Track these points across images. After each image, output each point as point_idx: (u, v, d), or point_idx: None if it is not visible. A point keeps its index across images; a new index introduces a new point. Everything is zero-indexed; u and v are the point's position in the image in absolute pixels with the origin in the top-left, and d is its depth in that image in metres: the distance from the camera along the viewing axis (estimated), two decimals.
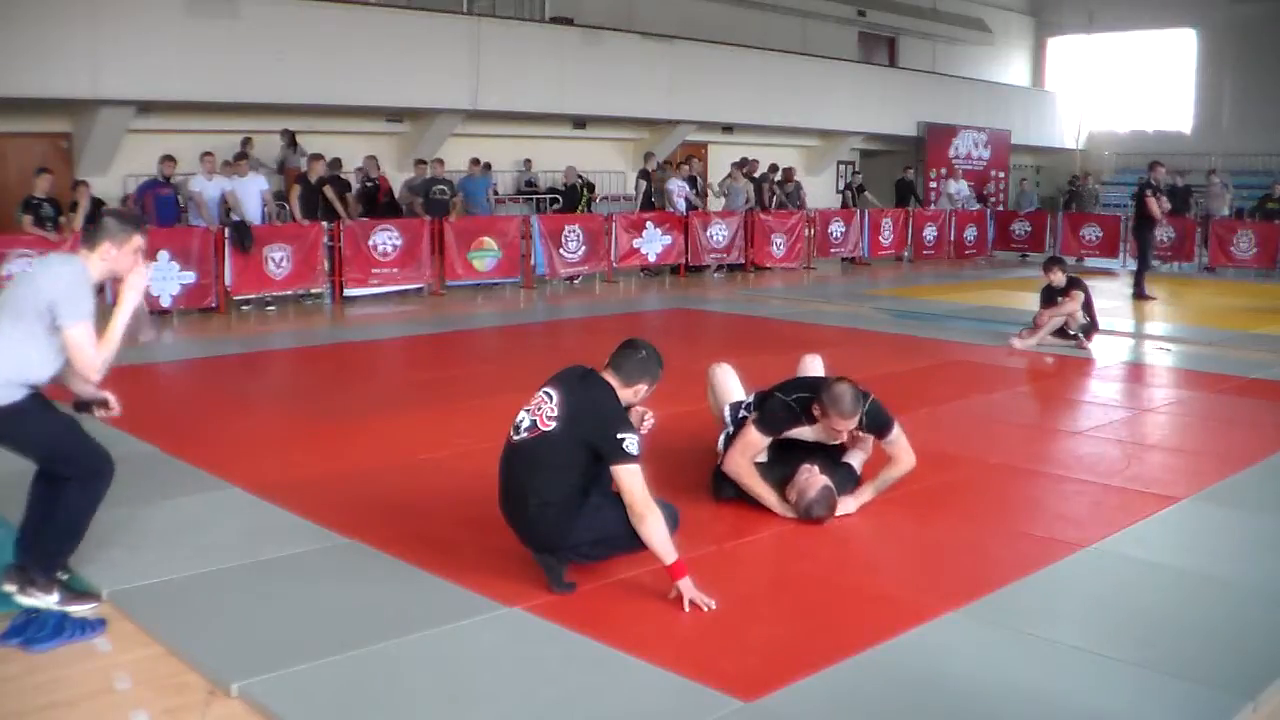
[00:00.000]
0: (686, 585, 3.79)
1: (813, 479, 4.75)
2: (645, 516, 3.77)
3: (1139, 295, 13.25)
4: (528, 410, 3.97)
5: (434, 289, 13.27)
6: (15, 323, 3.63)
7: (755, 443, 4.84)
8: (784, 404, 4.84)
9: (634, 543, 3.86)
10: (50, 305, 3.58)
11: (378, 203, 14.10)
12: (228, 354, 9.30)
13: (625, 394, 3.95)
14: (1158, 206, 13.41)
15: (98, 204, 11.59)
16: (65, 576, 3.88)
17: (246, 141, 13.95)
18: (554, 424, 3.86)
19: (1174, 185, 18.19)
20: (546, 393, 3.94)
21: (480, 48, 16.18)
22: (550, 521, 3.89)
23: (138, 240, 3.80)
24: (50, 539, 3.77)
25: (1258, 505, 5.20)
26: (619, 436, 3.78)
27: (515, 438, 3.97)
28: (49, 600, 3.71)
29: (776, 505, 4.79)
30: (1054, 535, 4.70)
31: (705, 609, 3.76)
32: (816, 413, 4.74)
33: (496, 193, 16.15)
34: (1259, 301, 12.49)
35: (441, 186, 13.89)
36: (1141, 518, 4.93)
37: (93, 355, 3.67)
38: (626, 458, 3.77)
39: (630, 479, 3.78)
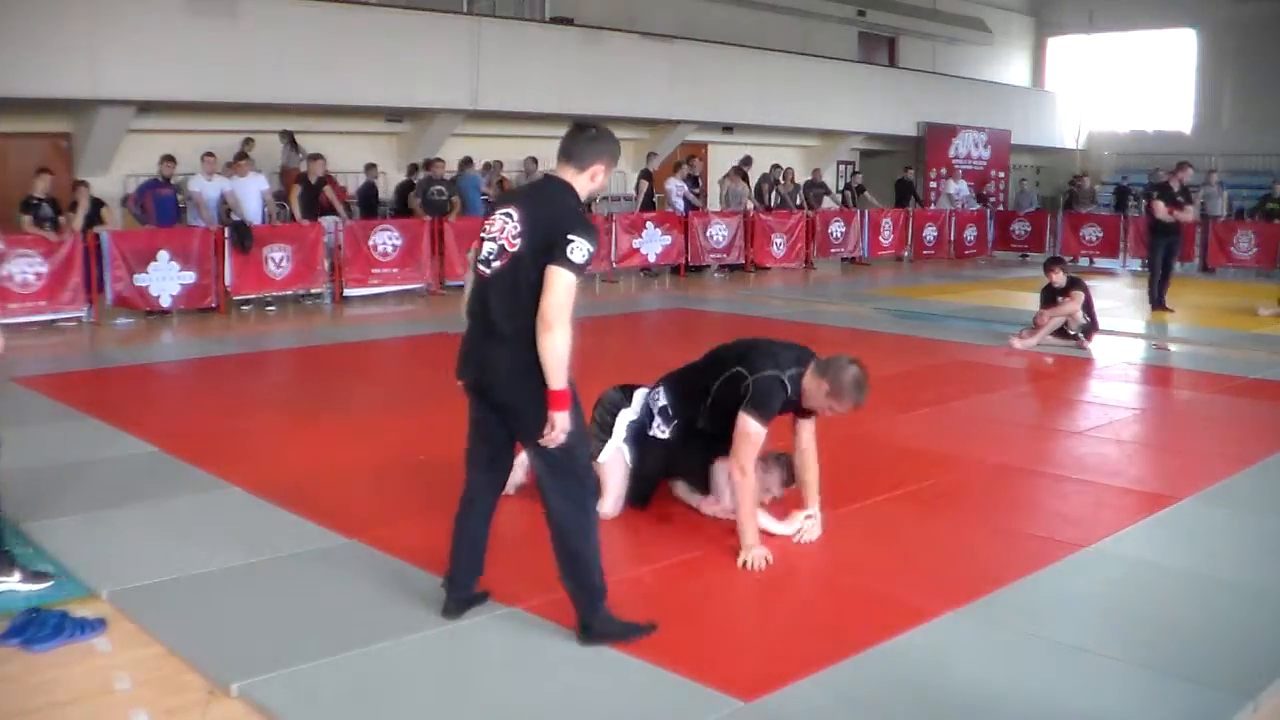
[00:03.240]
0: (562, 419, 3.36)
1: (765, 468, 4.63)
2: (552, 326, 3.29)
3: (1159, 306, 12.25)
4: (489, 238, 3.51)
5: (434, 289, 13.27)
6: None
7: (759, 438, 4.34)
8: (779, 383, 4.30)
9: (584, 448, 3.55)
10: None
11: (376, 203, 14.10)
12: (228, 354, 9.30)
13: (583, 182, 3.53)
14: (1177, 212, 12.12)
15: (97, 204, 11.60)
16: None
17: (248, 142, 13.94)
18: (519, 242, 3.42)
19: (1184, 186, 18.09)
20: (506, 213, 3.50)
21: (480, 48, 16.18)
22: (522, 364, 3.37)
23: None
24: None
25: (1258, 505, 5.21)
26: (568, 237, 3.32)
27: (488, 271, 3.49)
28: (11, 580, 3.84)
29: (753, 522, 4.36)
30: (1054, 535, 4.70)
31: (553, 440, 3.36)
32: (821, 389, 4.32)
33: (484, 192, 16.11)
34: (1259, 301, 12.47)
35: (439, 187, 13.89)
36: (1141, 518, 4.94)
37: None
38: (565, 261, 3.31)
39: (558, 283, 3.30)
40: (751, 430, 4.29)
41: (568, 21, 18.17)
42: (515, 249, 3.43)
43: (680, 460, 4.86)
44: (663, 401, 4.78)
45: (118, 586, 3.94)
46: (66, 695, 3.21)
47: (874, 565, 4.35)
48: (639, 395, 4.93)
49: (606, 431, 4.82)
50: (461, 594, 3.75)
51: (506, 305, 3.43)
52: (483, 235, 3.56)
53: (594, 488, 3.70)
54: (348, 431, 6.43)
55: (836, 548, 4.57)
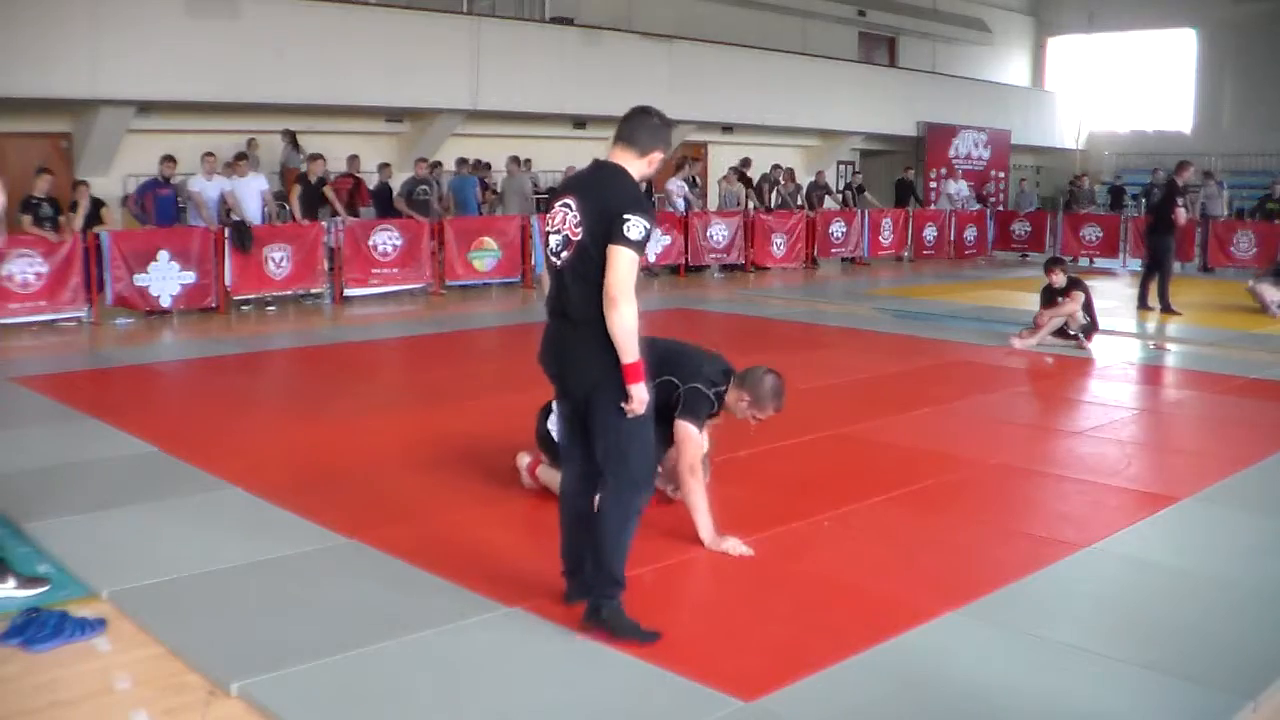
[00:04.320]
0: (639, 390, 3.47)
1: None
2: (618, 301, 3.40)
3: (1166, 309, 12.16)
4: (554, 231, 3.60)
5: (434, 289, 13.27)
6: None
7: (699, 440, 4.57)
8: (706, 397, 4.56)
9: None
10: None
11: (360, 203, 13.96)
12: (228, 354, 9.30)
13: (640, 167, 3.62)
14: (1184, 214, 12.24)
15: (98, 204, 11.60)
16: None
17: (251, 143, 13.94)
18: (581, 230, 3.51)
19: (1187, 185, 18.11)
20: (566, 204, 3.58)
21: (480, 48, 16.18)
22: (598, 347, 3.47)
23: None
24: None
25: (1258, 505, 5.21)
26: (625, 216, 3.42)
27: (558, 262, 3.58)
28: (6, 587, 3.79)
29: (707, 518, 4.47)
30: (1054, 535, 4.70)
31: (634, 410, 3.48)
32: (742, 400, 4.62)
33: (496, 192, 16.13)
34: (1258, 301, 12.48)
35: (423, 187, 13.88)
36: (1141, 518, 4.94)
37: None
38: (623, 239, 3.41)
39: (619, 260, 3.41)
40: (693, 435, 4.52)
41: (568, 21, 18.17)
42: (579, 237, 3.51)
43: None
44: None
45: (118, 586, 3.94)
46: (66, 695, 3.21)
47: (874, 565, 4.35)
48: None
49: (552, 444, 4.80)
50: (578, 580, 3.78)
51: (580, 292, 3.52)
52: (548, 229, 3.65)
53: (644, 484, 3.70)
54: (348, 431, 6.43)
55: (836, 548, 4.57)
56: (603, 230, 3.45)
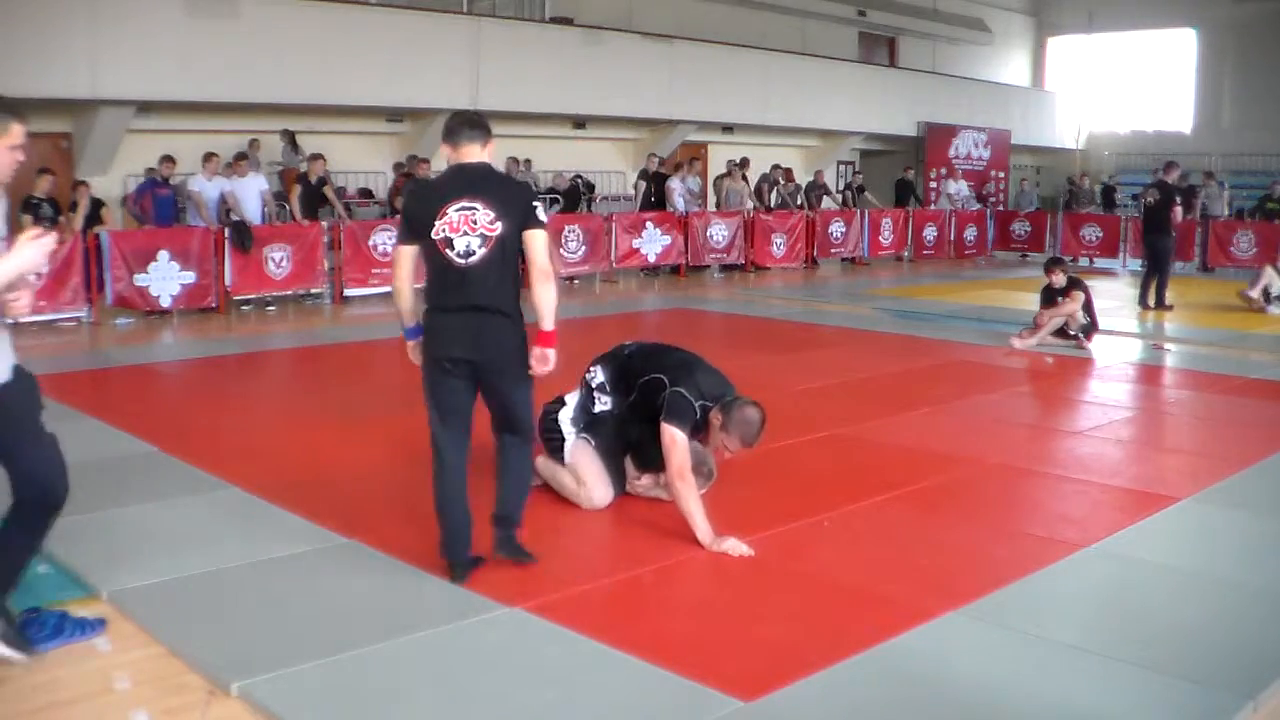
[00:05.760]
0: (553, 352, 3.96)
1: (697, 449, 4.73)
2: (551, 275, 3.94)
3: (1162, 305, 12.49)
4: (457, 234, 3.88)
5: None
6: None
7: (686, 443, 4.49)
8: (690, 404, 4.50)
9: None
10: None
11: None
12: (228, 354, 9.30)
13: (490, 151, 4.06)
14: (1180, 213, 12.59)
15: (98, 204, 11.60)
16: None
17: (253, 144, 13.94)
18: (500, 224, 3.87)
19: (1190, 185, 18.20)
20: (468, 207, 3.88)
21: (480, 48, 16.18)
22: (513, 328, 3.96)
23: (18, 132, 3.05)
24: None
25: (1258, 505, 5.20)
26: (533, 204, 3.96)
27: (464, 262, 3.88)
28: None
29: (703, 520, 4.45)
30: (1054, 535, 4.70)
31: (545, 369, 3.97)
32: (716, 422, 4.51)
33: None
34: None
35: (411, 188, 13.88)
36: (1141, 518, 4.93)
37: None
38: (539, 223, 3.92)
39: (541, 240, 3.93)
40: (679, 438, 4.46)
41: (568, 21, 18.17)
42: (498, 232, 3.87)
43: (628, 430, 4.97)
44: (600, 379, 4.98)
45: (118, 586, 3.94)
46: (66, 695, 3.21)
47: (874, 565, 4.35)
48: (571, 394, 5.09)
49: (556, 436, 4.98)
50: (463, 556, 4.06)
51: (498, 281, 3.92)
52: (441, 235, 3.90)
53: (534, 437, 4.33)
54: (347, 431, 6.42)
55: (836, 548, 4.57)
56: (519, 220, 3.89)
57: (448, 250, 3.90)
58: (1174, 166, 13.06)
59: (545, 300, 3.94)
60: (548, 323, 3.95)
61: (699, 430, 4.62)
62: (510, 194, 3.97)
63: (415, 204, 4.12)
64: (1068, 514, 5.04)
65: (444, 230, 3.89)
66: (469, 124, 4.02)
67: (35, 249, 2.97)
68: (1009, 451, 6.16)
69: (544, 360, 3.96)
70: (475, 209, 3.87)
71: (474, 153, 3.98)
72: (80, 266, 10.64)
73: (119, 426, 6.29)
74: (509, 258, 3.90)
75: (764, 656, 3.50)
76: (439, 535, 4.09)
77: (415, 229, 3.98)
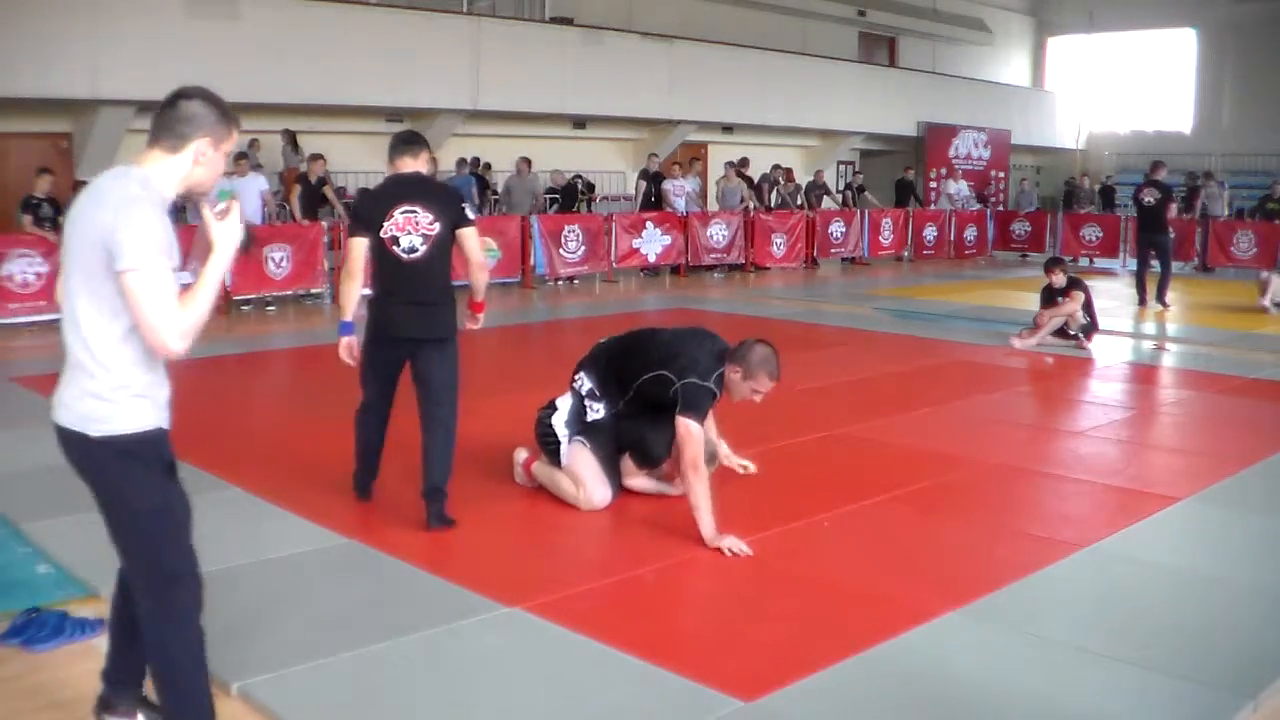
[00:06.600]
0: (477, 318, 4.91)
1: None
2: (483, 267, 4.81)
3: (1162, 302, 12.62)
4: (402, 233, 4.51)
5: None
6: (89, 287, 2.48)
7: (701, 435, 4.48)
8: (706, 389, 4.51)
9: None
10: (107, 244, 2.41)
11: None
12: (228, 354, 9.29)
13: (424, 162, 4.72)
14: (1175, 209, 13.14)
15: None
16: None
17: (253, 143, 13.93)
18: (438, 225, 4.54)
19: (1191, 185, 18.31)
20: (409, 210, 4.51)
21: (480, 48, 16.18)
22: (452, 310, 4.66)
23: (235, 140, 2.82)
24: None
25: (1258, 505, 5.21)
26: (464, 204, 4.72)
27: (409, 258, 4.53)
28: None
29: (709, 515, 4.42)
30: (1054, 535, 4.70)
31: (473, 325, 4.90)
32: (736, 376, 4.53)
33: (496, 192, 16.13)
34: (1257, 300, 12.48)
35: None
36: (1141, 518, 4.93)
37: (169, 315, 2.46)
38: (471, 221, 4.69)
39: (475, 237, 4.68)
40: (694, 432, 4.47)
41: (568, 21, 18.18)
42: (436, 231, 4.54)
43: (624, 432, 4.99)
44: (588, 385, 5.01)
45: None
46: (66, 695, 3.21)
47: (874, 565, 4.35)
48: (563, 398, 5.09)
49: (552, 441, 4.99)
50: (368, 485, 4.95)
51: (440, 273, 4.61)
52: (389, 234, 4.52)
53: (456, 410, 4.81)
54: (348, 431, 6.40)
55: (837, 548, 4.57)
56: (453, 220, 4.58)
57: (394, 247, 4.53)
58: (1161, 166, 13.26)
59: (480, 282, 4.82)
60: (480, 295, 4.86)
61: (716, 401, 4.64)
62: (444, 199, 4.65)
63: (366, 205, 4.81)
64: (1067, 514, 5.04)
65: (391, 230, 4.52)
66: (405, 142, 4.71)
67: (230, 226, 2.72)
68: (1009, 451, 6.16)
69: (476, 320, 4.90)
70: (416, 212, 4.52)
71: (409, 164, 4.64)
72: None
73: None
74: (445, 252, 4.59)
75: (764, 656, 3.50)
76: (353, 469, 4.98)
77: (366, 224, 4.59)
